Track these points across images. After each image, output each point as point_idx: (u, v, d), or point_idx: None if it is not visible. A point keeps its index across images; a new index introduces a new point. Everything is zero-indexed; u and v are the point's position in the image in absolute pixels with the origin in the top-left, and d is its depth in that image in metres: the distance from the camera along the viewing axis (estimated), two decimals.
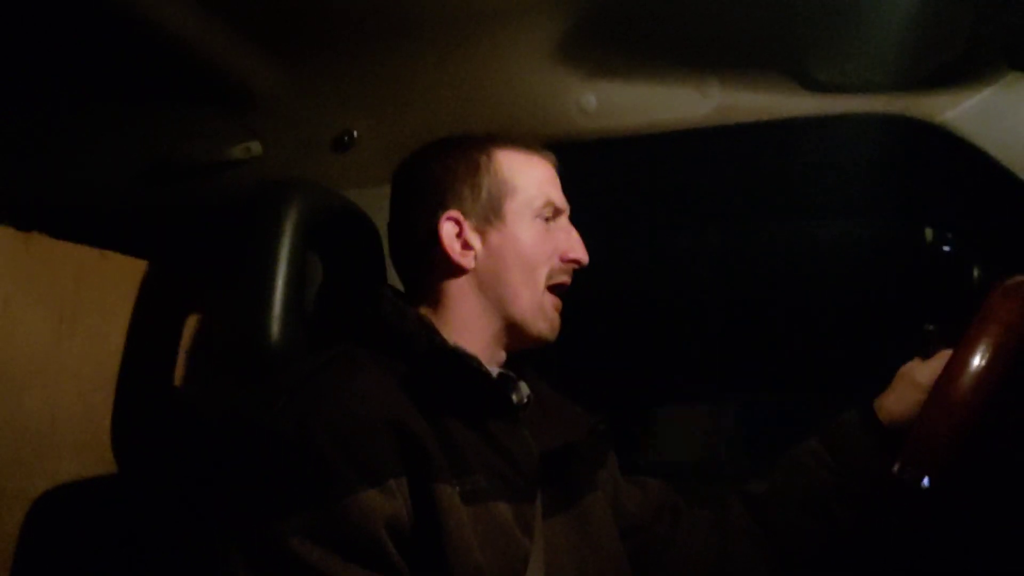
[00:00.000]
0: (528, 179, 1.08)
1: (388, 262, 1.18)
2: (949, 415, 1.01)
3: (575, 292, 1.13)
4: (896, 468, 1.02)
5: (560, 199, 1.12)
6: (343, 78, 1.33)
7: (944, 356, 1.07)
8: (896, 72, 1.16)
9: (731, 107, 1.25)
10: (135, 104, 1.43)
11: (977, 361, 1.01)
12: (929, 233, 1.86)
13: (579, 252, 1.10)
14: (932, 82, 1.16)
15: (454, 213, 1.06)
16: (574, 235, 1.11)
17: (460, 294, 1.06)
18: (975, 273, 1.70)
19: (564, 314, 1.11)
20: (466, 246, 1.06)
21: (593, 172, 1.48)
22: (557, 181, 1.13)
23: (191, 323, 1.63)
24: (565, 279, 1.10)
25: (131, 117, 1.44)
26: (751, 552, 1.16)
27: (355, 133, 1.36)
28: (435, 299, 1.07)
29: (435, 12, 1.21)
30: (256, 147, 1.39)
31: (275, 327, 1.07)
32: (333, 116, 1.37)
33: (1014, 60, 1.13)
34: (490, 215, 1.06)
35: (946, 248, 1.83)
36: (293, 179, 1.21)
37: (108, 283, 1.52)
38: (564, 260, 1.09)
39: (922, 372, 1.10)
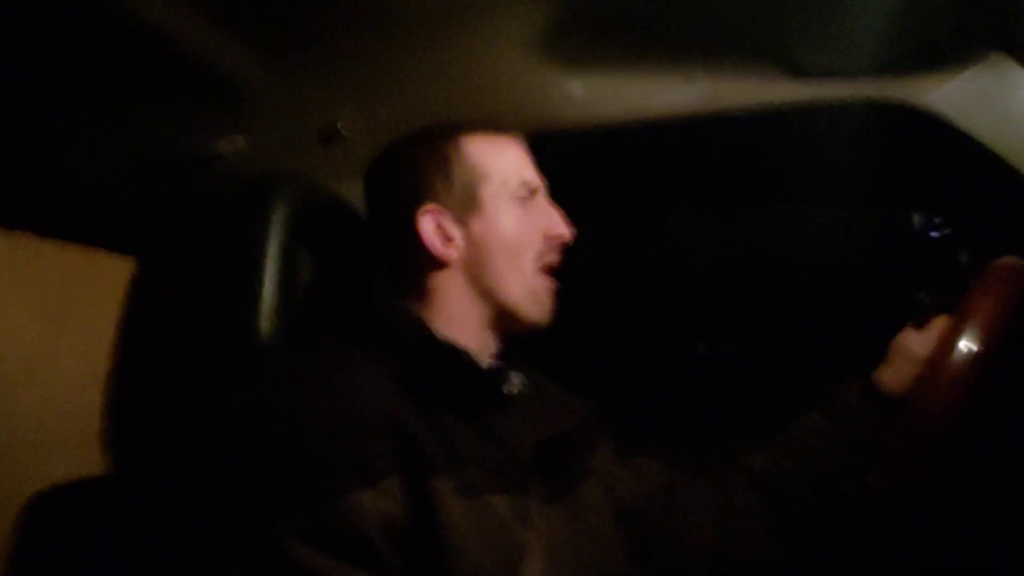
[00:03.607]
0: (499, 162, 1.08)
1: None
2: (923, 431, 1.00)
3: (568, 281, 1.13)
4: (875, 482, 1.03)
5: (533, 177, 1.11)
6: (328, 70, 1.33)
7: (938, 324, 1.07)
8: (878, 55, 1.16)
9: (716, 95, 1.25)
10: (119, 100, 1.42)
11: (951, 373, 1.00)
12: (916, 217, 1.87)
13: (562, 228, 1.09)
14: (915, 64, 1.16)
15: (431, 207, 1.05)
16: (554, 212, 1.11)
17: (447, 287, 1.05)
18: (963, 257, 1.70)
19: (557, 304, 1.11)
20: (447, 239, 1.05)
21: (581, 162, 1.48)
22: (528, 159, 1.12)
23: (181, 320, 1.62)
24: (553, 258, 1.10)
25: (115, 113, 1.43)
26: (754, 528, 1.16)
27: (341, 126, 1.35)
28: (422, 293, 1.06)
29: (420, 2, 1.21)
30: (241, 141, 1.39)
31: (264, 323, 1.07)
32: (319, 109, 1.36)
33: (997, 40, 1.13)
34: (467, 204, 1.05)
35: (934, 232, 1.84)
36: (280, 173, 1.21)
37: (96, 281, 1.51)
38: (548, 238, 1.08)
39: (917, 343, 1.10)
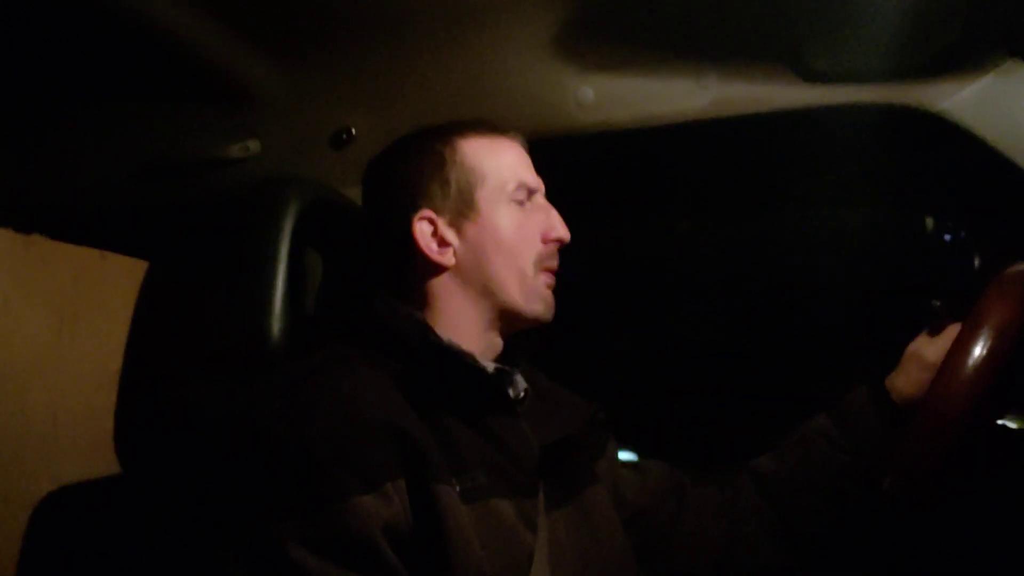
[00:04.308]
0: (496, 164, 1.06)
1: None
2: (937, 432, 1.00)
3: (574, 282, 1.13)
4: (886, 484, 1.02)
5: (532, 178, 1.09)
6: (340, 75, 1.33)
7: (952, 332, 1.06)
8: (894, 60, 1.16)
9: (729, 99, 1.25)
10: (133, 103, 1.43)
11: (966, 375, 0.99)
12: (930, 222, 1.86)
13: (560, 230, 1.08)
14: (930, 70, 1.16)
15: (426, 212, 1.04)
16: (553, 213, 1.09)
17: (446, 291, 1.05)
18: (976, 261, 1.69)
19: (562, 306, 1.11)
20: (443, 244, 1.04)
21: (592, 166, 1.47)
22: (527, 160, 1.11)
23: (192, 321, 1.63)
24: (553, 264, 1.09)
25: (129, 116, 1.44)
26: (760, 531, 1.16)
27: (353, 130, 1.36)
28: (422, 298, 1.05)
29: (431, 7, 1.21)
30: (254, 145, 1.39)
31: (274, 326, 1.07)
32: (331, 113, 1.37)
33: (1012, 47, 1.12)
34: (463, 208, 1.04)
35: (947, 236, 1.83)
36: (291, 177, 1.21)
37: (107, 283, 1.52)
38: (546, 241, 1.07)
39: (930, 350, 1.10)
